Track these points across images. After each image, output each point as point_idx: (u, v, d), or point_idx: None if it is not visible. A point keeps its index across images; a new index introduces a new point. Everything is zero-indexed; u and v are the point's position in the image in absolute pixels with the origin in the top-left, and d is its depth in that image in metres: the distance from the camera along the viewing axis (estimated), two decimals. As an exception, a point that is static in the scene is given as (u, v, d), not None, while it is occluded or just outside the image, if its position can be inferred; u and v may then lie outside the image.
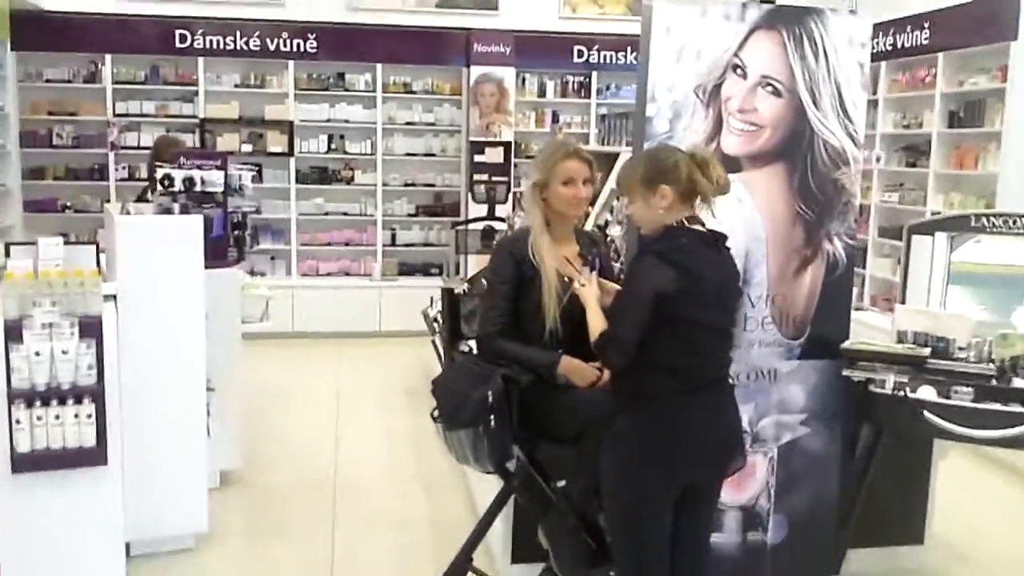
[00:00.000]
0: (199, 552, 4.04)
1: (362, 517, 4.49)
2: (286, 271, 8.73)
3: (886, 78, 7.40)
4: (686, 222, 2.62)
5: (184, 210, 4.25)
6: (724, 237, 2.72)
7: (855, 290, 5.69)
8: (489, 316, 3.15)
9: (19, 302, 3.29)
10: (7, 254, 3.43)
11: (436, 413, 3.15)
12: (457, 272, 8.15)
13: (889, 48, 7.29)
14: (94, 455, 3.39)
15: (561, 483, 3.12)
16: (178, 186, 4.44)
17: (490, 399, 2.95)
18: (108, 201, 7.73)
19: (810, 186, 3.50)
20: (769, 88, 3.42)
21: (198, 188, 4.49)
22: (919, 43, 7.01)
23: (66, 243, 3.47)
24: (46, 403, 3.29)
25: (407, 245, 9.00)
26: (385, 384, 6.96)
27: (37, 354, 3.25)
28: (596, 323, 2.73)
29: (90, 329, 3.34)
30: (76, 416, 3.32)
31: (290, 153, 8.54)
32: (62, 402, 3.30)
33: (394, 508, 4.63)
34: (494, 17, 8.82)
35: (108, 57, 8.23)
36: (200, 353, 3.93)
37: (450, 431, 3.08)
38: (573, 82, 9.06)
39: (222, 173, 4.60)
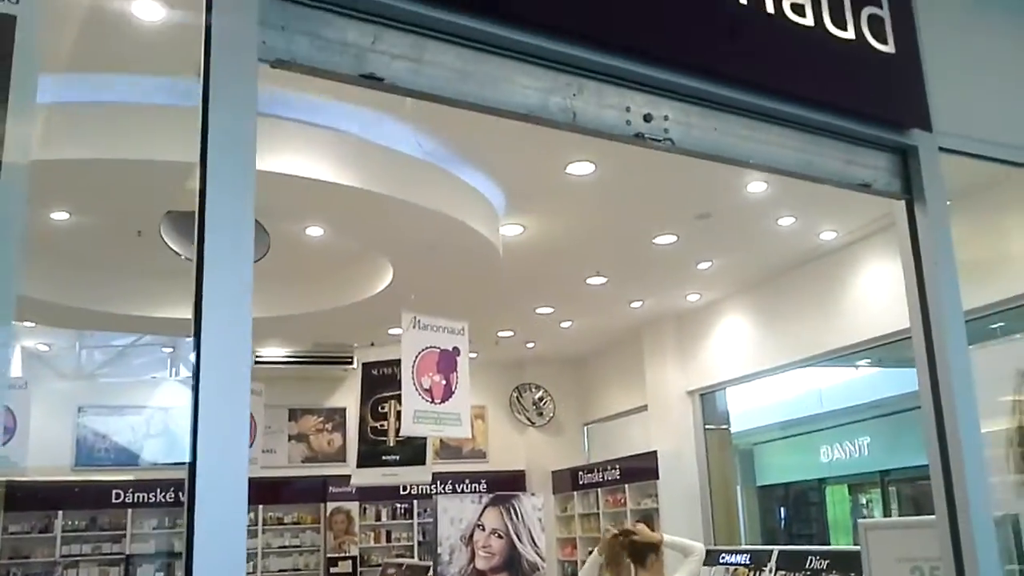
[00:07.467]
0: None
1: None
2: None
3: (604, 496, 11.51)
4: None
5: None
6: None
7: None
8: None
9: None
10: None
11: None
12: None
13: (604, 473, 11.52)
14: None
15: None
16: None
17: None
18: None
19: (521, 581, 7.19)
20: (496, 534, 7.22)
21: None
22: (615, 478, 11.27)
23: None
24: None
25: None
26: None
27: None
28: None
29: None
30: None
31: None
32: None
33: None
34: (343, 466, 12.56)
35: (60, 512, 11.21)
36: None
37: None
38: (400, 508, 12.70)
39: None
